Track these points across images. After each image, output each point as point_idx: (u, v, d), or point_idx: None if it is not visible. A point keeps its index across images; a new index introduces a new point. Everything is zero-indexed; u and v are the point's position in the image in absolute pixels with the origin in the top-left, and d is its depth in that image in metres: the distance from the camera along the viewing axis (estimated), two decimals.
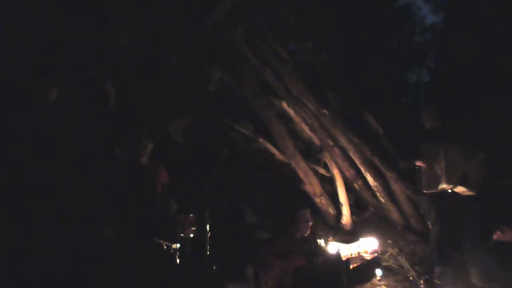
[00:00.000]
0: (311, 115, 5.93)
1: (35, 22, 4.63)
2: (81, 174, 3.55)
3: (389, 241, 4.96)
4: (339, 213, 5.67)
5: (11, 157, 3.35)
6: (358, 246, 4.78)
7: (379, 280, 4.11)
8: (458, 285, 3.85)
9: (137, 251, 3.35)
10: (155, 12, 5.66)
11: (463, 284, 3.84)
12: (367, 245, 4.82)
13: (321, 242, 4.76)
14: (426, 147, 4.22)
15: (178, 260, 3.64)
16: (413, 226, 5.30)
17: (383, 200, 5.52)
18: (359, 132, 5.64)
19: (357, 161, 5.59)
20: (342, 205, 5.65)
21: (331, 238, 5.17)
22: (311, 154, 6.14)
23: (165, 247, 3.59)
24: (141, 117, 5.04)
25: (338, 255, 3.98)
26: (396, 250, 4.73)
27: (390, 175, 5.37)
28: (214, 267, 3.85)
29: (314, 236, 4.43)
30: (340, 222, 5.63)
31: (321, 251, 4.27)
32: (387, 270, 4.35)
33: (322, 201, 5.71)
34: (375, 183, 5.49)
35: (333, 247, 4.71)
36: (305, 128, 6.14)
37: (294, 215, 3.85)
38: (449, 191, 4.17)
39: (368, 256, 4.61)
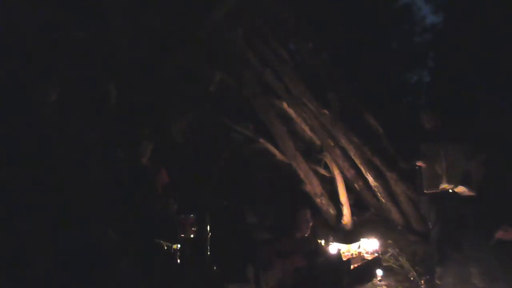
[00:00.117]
0: (311, 115, 5.93)
1: (35, 22, 4.63)
2: (81, 174, 3.55)
3: (390, 241, 4.96)
4: (339, 214, 5.67)
5: (11, 157, 3.35)
6: (359, 247, 4.78)
7: (380, 281, 4.10)
8: (459, 285, 3.84)
9: (137, 251, 3.35)
10: (155, 13, 5.67)
11: (464, 284, 3.83)
12: (368, 246, 4.82)
13: (321, 242, 4.76)
14: (426, 147, 4.21)
15: (178, 261, 3.64)
16: (413, 226, 5.29)
17: (383, 200, 5.51)
18: (360, 132, 5.63)
19: (357, 162, 5.58)
20: (342, 205, 5.64)
21: (331, 238, 5.16)
22: (312, 154, 6.14)
23: (165, 248, 3.59)
24: (141, 118, 5.04)
25: (338, 256, 3.98)
26: (397, 250, 4.72)
27: (390, 176, 5.36)
28: (215, 268, 3.84)
29: (314, 236, 4.42)
30: (341, 223, 5.62)
31: (321, 251, 4.27)
32: (387, 271, 4.34)
33: (322, 202, 5.71)
34: (376, 184, 5.48)
35: (333, 247, 4.70)
36: (306, 129, 6.14)
37: (295, 215, 3.85)
38: (450, 191, 4.17)
39: (368, 256, 4.61)
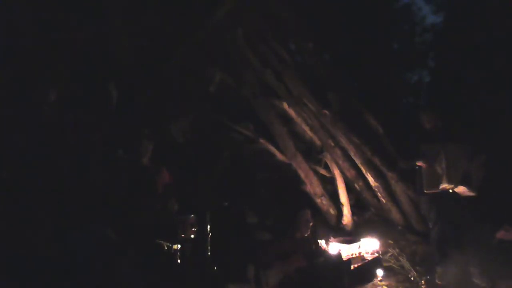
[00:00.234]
0: (311, 115, 5.93)
1: (36, 22, 4.63)
2: (82, 174, 3.55)
3: (390, 242, 4.95)
4: (340, 214, 5.66)
5: (11, 158, 3.35)
6: (359, 247, 4.77)
7: (380, 281, 4.10)
8: (459, 285, 3.84)
9: (138, 251, 3.34)
10: (155, 13, 5.66)
11: (464, 284, 3.83)
12: (368, 246, 4.82)
13: (322, 242, 4.75)
14: (426, 147, 4.21)
15: (179, 261, 3.64)
16: (414, 226, 5.29)
17: (384, 201, 5.51)
18: (360, 132, 5.64)
19: (357, 162, 5.58)
20: (343, 205, 5.64)
21: (332, 238, 5.16)
22: (312, 154, 6.14)
23: (166, 248, 3.59)
24: (141, 118, 5.03)
25: (339, 256, 3.99)
26: (397, 250, 4.72)
27: (391, 176, 5.36)
28: (215, 268, 3.84)
29: (315, 236, 4.42)
30: (341, 223, 5.62)
31: (322, 251, 4.27)
32: (388, 271, 4.34)
33: (323, 202, 5.70)
34: (376, 184, 5.48)
35: (334, 247, 4.70)
36: (306, 129, 6.14)
37: (295, 215, 3.86)
38: (450, 191, 4.17)
39: (369, 257, 4.60)
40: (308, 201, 5.65)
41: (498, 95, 5.91)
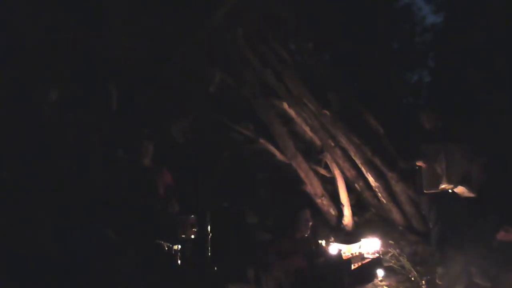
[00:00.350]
0: (312, 115, 5.92)
1: (36, 22, 4.62)
2: (82, 174, 3.55)
3: (391, 242, 4.95)
4: (340, 214, 5.66)
5: (11, 158, 3.35)
6: (360, 247, 4.76)
7: (381, 281, 4.10)
8: (459, 285, 3.83)
9: (138, 251, 3.34)
10: (155, 13, 5.66)
11: (465, 284, 3.82)
12: (369, 246, 4.81)
13: (322, 243, 4.75)
14: (426, 147, 4.21)
15: (179, 261, 3.63)
16: (414, 226, 5.29)
17: (384, 201, 5.51)
18: (360, 133, 5.63)
19: (358, 162, 5.58)
20: (343, 205, 5.64)
21: (332, 239, 5.16)
22: (312, 154, 6.13)
23: (166, 248, 3.58)
24: (141, 118, 5.03)
25: (339, 256, 3.98)
26: (398, 250, 4.71)
27: (391, 176, 5.36)
28: (215, 268, 3.83)
29: (315, 237, 4.42)
30: (342, 223, 5.62)
31: (322, 251, 4.27)
32: (388, 271, 4.34)
33: (323, 202, 5.70)
34: (376, 184, 5.48)
35: (334, 247, 4.69)
36: (306, 129, 6.14)
37: (295, 215, 3.85)
38: (450, 191, 4.16)
39: (369, 257, 4.60)
40: (309, 201, 5.64)
41: (498, 95, 5.91)
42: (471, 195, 4.14)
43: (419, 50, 9.56)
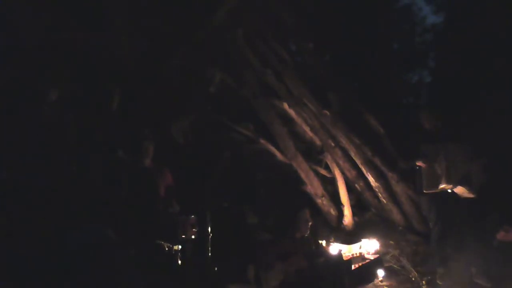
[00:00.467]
0: (312, 116, 5.92)
1: (36, 23, 4.62)
2: (82, 174, 3.55)
3: (391, 242, 4.95)
4: (340, 214, 5.66)
5: (11, 158, 3.34)
6: (360, 247, 4.76)
7: (381, 281, 4.09)
8: (460, 285, 3.83)
9: (138, 252, 3.34)
10: (155, 13, 5.66)
11: (465, 284, 3.82)
12: (369, 246, 4.81)
13: (322, 243, 4.75)
14: (426, 147, 4.21)
15: (179, 261, 3.63)
16: (414, 226, 5.28)
17: (384, 201, 5.51)
18: (360, 133, 5.63)
19: (358, 162, 5.58)
20: (343, 206, 5.64)
21: (332, 239, 5.16)
22: (312, 155, 6.13)
23: (166, 249, 3.58)
24: (141, 118, 5.03)
25: (339, 256, 3.97)
26: (398, 250, 4.72)
27: (391, 176, 5.36)
28: (216, 268, 3.83)
29: (315, 237, 4.41)
30: (342, 223, 5.61)
31: (322, 252, 4.26)
32: (389, 271, 4.33)
33: (323, 202, 5.70)
34: (377, 184, 5.47)
35: (334, 248, 4.69)
36: (306, 129, 6.13)
37: (295, 215, 3.85)
38: (449, 191, 4.16)
39: (370, 257, 4.60)
40: (309, 201, 5.64)
41: (498, 95, 5.91)
42: (471, 195, 4.14)
43: (419, 50, 9.55)
